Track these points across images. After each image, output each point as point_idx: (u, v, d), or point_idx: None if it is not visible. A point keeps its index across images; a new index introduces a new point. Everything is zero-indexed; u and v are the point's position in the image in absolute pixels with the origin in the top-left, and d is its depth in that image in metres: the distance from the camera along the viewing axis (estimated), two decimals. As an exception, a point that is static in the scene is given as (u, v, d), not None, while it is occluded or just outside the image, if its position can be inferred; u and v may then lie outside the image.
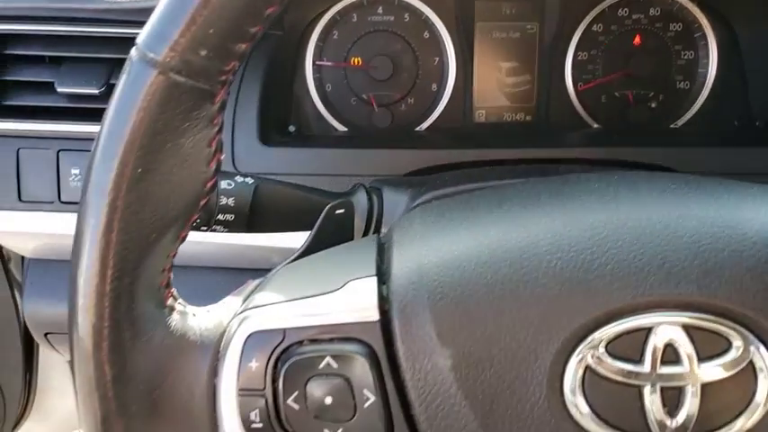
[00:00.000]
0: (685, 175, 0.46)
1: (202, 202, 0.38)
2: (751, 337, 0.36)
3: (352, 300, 0.39)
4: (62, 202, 0.75)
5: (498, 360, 0.36)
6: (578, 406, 0.36)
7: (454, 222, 0.42)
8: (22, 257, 0.95)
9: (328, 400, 0.38)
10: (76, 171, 0.75)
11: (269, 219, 0.55)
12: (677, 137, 0.87)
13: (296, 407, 0.38)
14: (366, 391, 0.37)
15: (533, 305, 0.37)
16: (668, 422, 0.36)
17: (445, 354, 0.37)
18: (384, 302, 0.39)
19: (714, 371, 0.36)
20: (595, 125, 0.89)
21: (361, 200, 0.58)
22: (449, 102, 0.88)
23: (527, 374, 0.36)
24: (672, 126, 0.89)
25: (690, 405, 0.36)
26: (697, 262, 0.37)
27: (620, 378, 0.36)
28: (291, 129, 0.82)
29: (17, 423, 1.30)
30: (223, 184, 0.53)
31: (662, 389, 0.36)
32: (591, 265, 0.37)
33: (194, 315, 0.40)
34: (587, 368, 0.36)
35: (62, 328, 0.87)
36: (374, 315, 0.38)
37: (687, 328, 0.36)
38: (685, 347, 0.36)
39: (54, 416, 1.37)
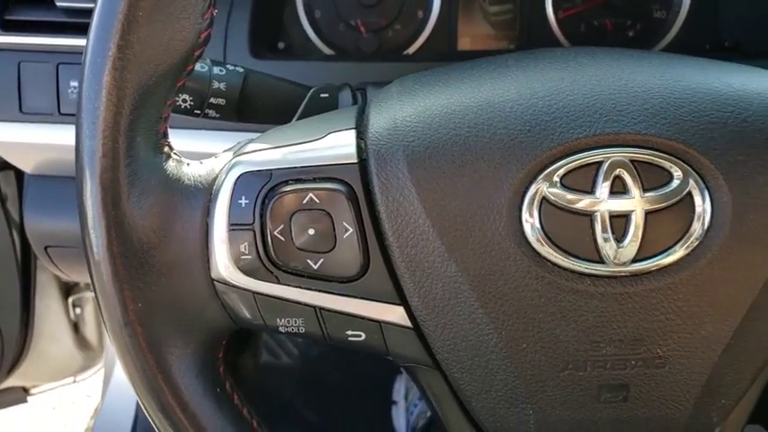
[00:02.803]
0: (642, 50, 0.50)
1: (197, 53, 0.42)
2: (690, 170, 0.40)
3: (332, 146, 0.43)
4: (61, 114, 0.79)
5: (463, 192, 0.40)
6: (535, 233, 0.40)
7: (429, 85, 0.46)
8: (17, 180, 0.99)
9: (311, 232, 0.41)
10: (75, 84, 0.78)
11: (258, 107, 0.58)
12: None
13: (282, 238, 0.42)
14: (345, 224, 0.41)
15: (496, 143, 0.41)
16: (615, 247, 0.40)
17: (415, 188, 0.41)
18: (362, 152, 0.43)
19: (656, 200, 0.40)
20: (574, 52, 0.92)
21: (345, 95, 0.61)
22: (434, 28, 0.91)
23: (489, 204, 0.40)
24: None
25: (634, 231, 0.40)
26: (645, 106, 0.41)
27: (573, 207, 0.40)
28: (281, 45, 0.86)
29: (13, 365, 1.33)
30: (215, 70, 0.57)
31: (610, 217, 0.40)
32: (550, 109, 0.41)
33: (189, 164, 0.44)
34: (544, 199, 0.40)
35: (61, 242, 0.91)
36: (353, 158, 0.42)
37: (634, 163, 0.40)
38: (632, 179, 0.40)
39: (48, 361, 1.41)
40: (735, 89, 0.42)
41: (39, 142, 0.80)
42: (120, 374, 1.38)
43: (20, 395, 1.53)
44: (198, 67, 0.56)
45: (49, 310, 1.35)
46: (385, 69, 0.81)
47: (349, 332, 0.43)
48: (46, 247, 0.91)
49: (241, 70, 0.58)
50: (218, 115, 0.57)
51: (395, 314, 0.43)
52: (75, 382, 1.63)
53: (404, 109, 0.43)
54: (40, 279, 1.26)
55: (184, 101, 0.56)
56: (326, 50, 0.91)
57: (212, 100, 0.56)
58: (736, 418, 0.46)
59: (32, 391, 1.56)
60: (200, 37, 0.41)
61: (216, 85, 0.56)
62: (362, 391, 1.43)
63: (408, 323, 0.43)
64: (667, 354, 0.42)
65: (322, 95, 0.55)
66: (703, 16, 0.89)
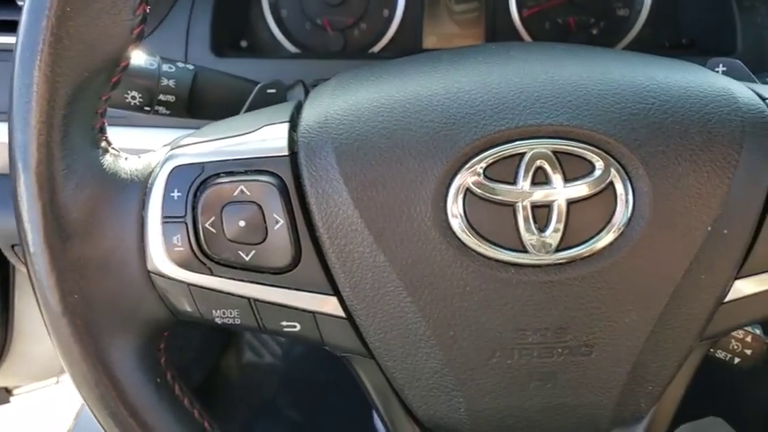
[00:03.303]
0: (576, 45, 0.51)
1: (131, 48, 0.43)
2: (612, 160, 0.41)
3: (265, 138, 0.44)
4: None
5: (390, 183, 0.41)
6: (460, 223, 0.41)
7: (363, 80, 0.47)
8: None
9: (242, 224, 0.42)
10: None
11: (209, 104, 0.59)
12: None
13: (213, 230, 0.42)
14: (275, 216, 0.42)
15: (422, 136, 0.41)
16: (538, 236, 0.41)
17: (344, 179, 0.41)
18: (294, 145, 0.43)
19: (578, 189, 0.41)
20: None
21: (298, 91, 0.62)
22: (400, 27, 0.92)
23: (415, 196, 0.41)
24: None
25: (557, 221, 0.41)
26: (569, 98, 0.42)
27: (496, 198, 0.41)
28: (244, 44, 0.86)
29: (-5, 366, 1.33)
30: (165, 67, 0.58)
31: (533, 207, 0.41)
32: (474, 102, 0.42)
33: (126, 159, 0.45)
34: (468, 190, 0.41)
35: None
36: (284, 151, 0.43)
37: (556, 154, 0.41)
38: (554, 170, 0.41)
39: (30, 361, 1.40)
40: (658, 82, 0.43)
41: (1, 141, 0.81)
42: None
43: (2, 396, 1.53)
44: (147, 64, 0.57)
45: (30, 310, 1.35)
46: (350, 68, 0.81)
47: (284, 323, 0.44)
48: (12, 246, 0.91)
49: (191, 68, 0.59)
50: (168, 112, 0.58)
51: (328, 304, 0.43)
52: (58, 382, 1.63)
53: (336, 102, 0.44)
54: (18, 278, 1.26)
55: (134, 98, 0.57)
56: (292, 49, 0.92)
57: (161, 97, 0.57)
58: (666, 404, 0.46)
59: (15, 391, 1.55)
60: (133, 33, 0.42)
61: (165, 82, 0.57)
62: (345, 390, 1.44)
63: (342, 313, 0.44)
64: (593, 341, 0.42)
65: (269, 91, 0.56)
66: (664, 14, 0.90)
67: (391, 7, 0.92)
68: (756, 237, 0.42)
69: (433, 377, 0.44)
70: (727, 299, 0.44)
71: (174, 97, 0.58)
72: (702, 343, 0.46)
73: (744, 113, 0.42)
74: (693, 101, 0.42)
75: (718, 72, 0.56)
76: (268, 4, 0.91)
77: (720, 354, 0.56)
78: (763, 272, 0.43)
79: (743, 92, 0.44)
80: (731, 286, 0.43)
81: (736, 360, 0.56)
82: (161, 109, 0.58)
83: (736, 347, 0.55)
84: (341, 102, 0.44)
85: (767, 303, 0.44)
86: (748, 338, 0.55)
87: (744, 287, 0.43)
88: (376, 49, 0.93)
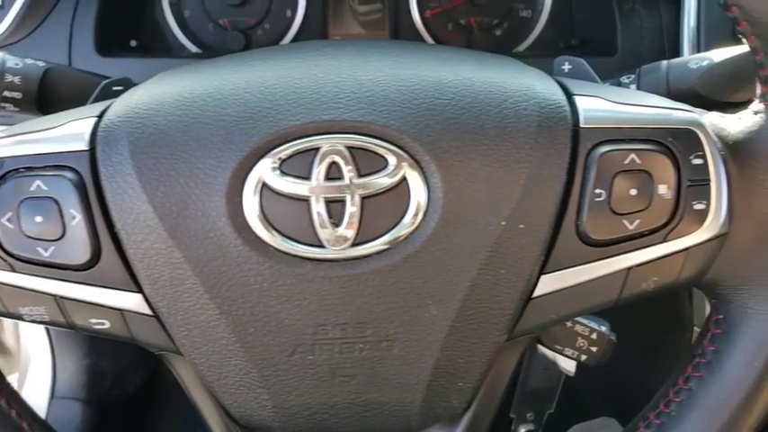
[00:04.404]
0: (399, 41, 0.51)
1: None
2: (405, 156, 0.41)
3: (65, 134, 0.43)
4: None
5: (184, 178, 0.41)
6: (256, 218, 0.41)
7: (178, 75, 0.47)
8: None
9: (38, 220, 0.42)
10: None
11: (60, 101, 0.59)
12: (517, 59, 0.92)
13: (10, 226, 0.42)
14: (72, 211, 0.42)
15: (218, 130, 0.41)
16: (333, 231, 0.40)
17: (137, 174, 0.41)
18: (95, 140, 0.43)
19: (372, 185, 0.40)
20: (441, 51, 0.94)
21: None
22: (302, 27, 0.92)
23: (209, 191, 0.41)
24: (514, 51, 0.94)
25: (351, 216, 0.40)
26: (367, 93, 0.42)
27: (291, 192, 0.41)
28: (133, 44, 0.86)
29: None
30: (9, 63, 0.57)
31: (327, 201, 0.40)
32: (273, 96, 0.42)
33: None
34: (264, 184, 0.41)
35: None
36: (84, 146, 0.42)
37: (350, 149, 0.41)
38: (346, 165, 0.40)
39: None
40: (461, 78, 0.43)
41: None
42: (32, 378, 1.37)
43: None
44: None
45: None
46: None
47: (92, 320, 0.44)
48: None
49: (42, 64, 0.59)
50: (16, 109, 0.58)
51: (134, 301, 0.43)
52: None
53: (141, 97, 0.44)
54: None
55: (-22, 95, 0.56)
56: (194, 49, 0.91)
57: (6, 93, 0.56)
58: (486, 401, 0.46)
59: None
60: None
61: (9, 78, 0.56)
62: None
63: (149, 310, 0.43)
64: (394, 336, 0.42)
65: (114, 88, 0.56)
66: (563, 16, 0.91)
67: (293, 7, 0.92)
68: (557, 232, 0.42)
69: (238, 374, 0.43)
70: (535, 294, 0.44)
71: (20, 94, 0.57)
72: (520, 339, 0.46)
73: (541, 109, 0.42)
74: (493, 96, 0.42)
75: (564, 70, 0.56)
76: (169, 4, 0.90)
77: (568, 351, 0.56)
78: (567, 267, 0.43)
79: (546, 88, 0.44)
80: (537, 282, 0.43)
81: (583, 357, 0.56)
82: (8, 105, 0.57)
83: (582, 345, 0.55)
84: (146, 96, 0.44)
85: (579, 298, 0.44)
86: (594, 336, 0.55)
87: (551, 283, 0.43)
88: (278, 49, 0.93)
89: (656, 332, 1.05)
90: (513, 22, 0.94)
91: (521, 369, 0.88)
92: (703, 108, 0.49)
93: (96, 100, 0.56)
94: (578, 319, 0.54)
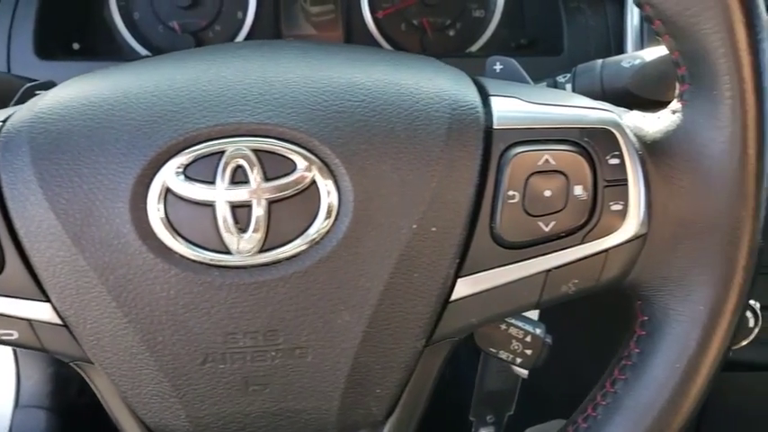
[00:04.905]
0: (317, 42, 0.50)
1: None
2: (314, 159, 0.40)
3: None
4: None
5: (87, 184, 0.40)
6: (161, 225, 0.40)
7: (91, 78, 0.45)
8: None
9: None
10: None
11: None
12: (469, 59, 0.91)
13: None
14: None
15: (123, 134, 0.40)
16: (240, 237, 0.40)
17: (38, 180, 0.40)
18: None
19: (279, 189, 0.39)
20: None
21: None
22: (253, 28, 0.91)
23: (113, 196, 0.40)
24: (468, 51, 0.93)
25: (257, 221, 0.39)
26: (276, 96, 0.41)
27: (195, 198, 0.40)
28: (76, 46, 0.85)
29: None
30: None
31: (233, 206, 0.39)
32: (179, 99, 0.41)
33: None
34: (168, 190, 0.40)
35: None
36: None
37: (257, 152, 0.40)
38: (253, 168, 0.39)
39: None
40: (373, 79, 0.42)
41: None
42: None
43: None
44: None
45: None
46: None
47: (0, 331, 0.43)
48: None
49: None
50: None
51: (42, 311, 0.42)
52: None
53: (47, 102, 0.43)
54: None
55: None
56: (144, 52, 0.90)
57: None
58: (408, 408, 0.46)
59: None
60: None
61: None
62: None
63: (58, 320, 0.42)
64: (306, 344, 0.41)
65: (37, 92, 0.55)
66: (515, 15, 0.91)
67: (244, 9, 0.91)
68: (471, 235, 0.42)
69: (150, 384, 0.42)
70: (452, 298, 0.43)
71: None
72: (441, 344, 0.45)
73: (453, 111, 0.41)
74: (404, 98, 0.42)
75: (495, 70, 0.55)
76: (117, 5, 0.89)
77: (502, 354, 0.55)
78: (483, 270, 0.42)
79: (460, 89, 0.43)
80: (454, 285, 0.42)
81: (518, 360, 0.55)
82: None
83: (516, 348, 0.55)
84: (52, 101, 0.43)
85: (498, 301, 0.44)
86: (528, 338, 0.54)
87: (468, 286, 0.43)
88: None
89: (617, 333, 1.05)
90: (466, 22, 0.93)
91: (476, 371, 0.88)
92: (637, 107, 0.48)
93: (17, 104, 0.54)
94: (513, 321, 0.53)
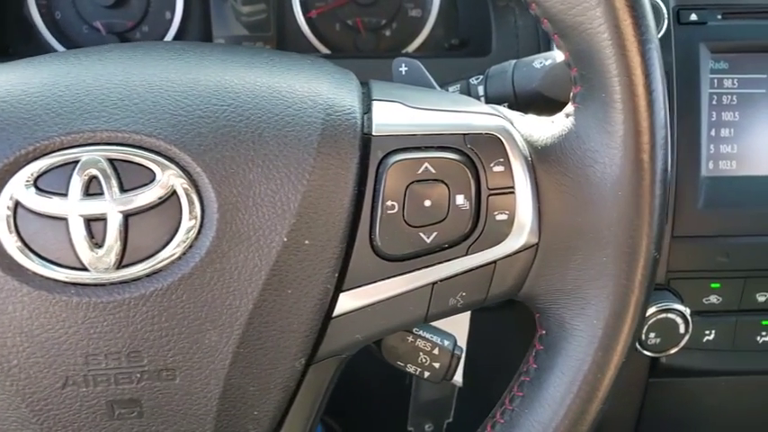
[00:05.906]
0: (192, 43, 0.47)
1: None
2: (175, 168, 0.37)
3: None
4: None
5: None
6: (11, 241, 0.37)
7: None
8: None
9: None
10: None
11: None
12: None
13: None
14: None
15: None
16: (95, 253, 0.37)
17: None
18: None
19: (136, 201, 0.37)
20: (327, 52, 0.91)
21: None
22: (182, 29, 0.88)
23: None
24: (404, 51, 0.91)
25: (113, 235, 0.37)
26: (135, 101, 0.38)
27: (47, 211, 0.37)
28: (11, 51, 0.81)
29: None
30: None
31: (87, 220, 0.37)
32: (32, 106, 0.38)
33: None
34: (18, 203, 0.37)
35: None
36: None
37: (113, 162, 0.37)
38: (108, 179, 0.37)
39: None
40: (245, 82, 0.40)
41: None
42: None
43: None
44: None
45: None
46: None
47: None
48: None
49: None
50: None
51: None
52: None
53: None
54: None
55: None
56: (69, 54, 0.87)
57: None
58: (295, 427, 0.43)
59: None
60: None
61: None
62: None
63: None
64: (174, 366, 0.39)
65: None
66: (450, 15, 0.89)
67: (172, 9, 0.88)
68: (351, 247, 0.39)
69: (8, 410, 0.40)
70: (335, 314, 0.41)
71: None
72: (328, 361, 0.43)
73: (327, 116, 0.39)
74: (275, 103, 0.39)
75: (401, 72, 0.53)
76: (36, 4, 0.86)
77: (410, 368, 0.53)
78: (365, 284, 0.40)
79: (340, 93, 0.41)
80: (335, 300, 0.40)
81: (426, 374, 0.53)
82: None
83: (424, 361, 0.52)
84: None
85: (384, 316, 0.42)
86: (436, 351, 0.52)
87: (350, 301, 0.40)
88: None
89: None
90: (402, 21, 0.91)
91: (412, 382, 0.85)
92: (549, 109, 0.46)
93: None
94: (421, 333, 0.51)
